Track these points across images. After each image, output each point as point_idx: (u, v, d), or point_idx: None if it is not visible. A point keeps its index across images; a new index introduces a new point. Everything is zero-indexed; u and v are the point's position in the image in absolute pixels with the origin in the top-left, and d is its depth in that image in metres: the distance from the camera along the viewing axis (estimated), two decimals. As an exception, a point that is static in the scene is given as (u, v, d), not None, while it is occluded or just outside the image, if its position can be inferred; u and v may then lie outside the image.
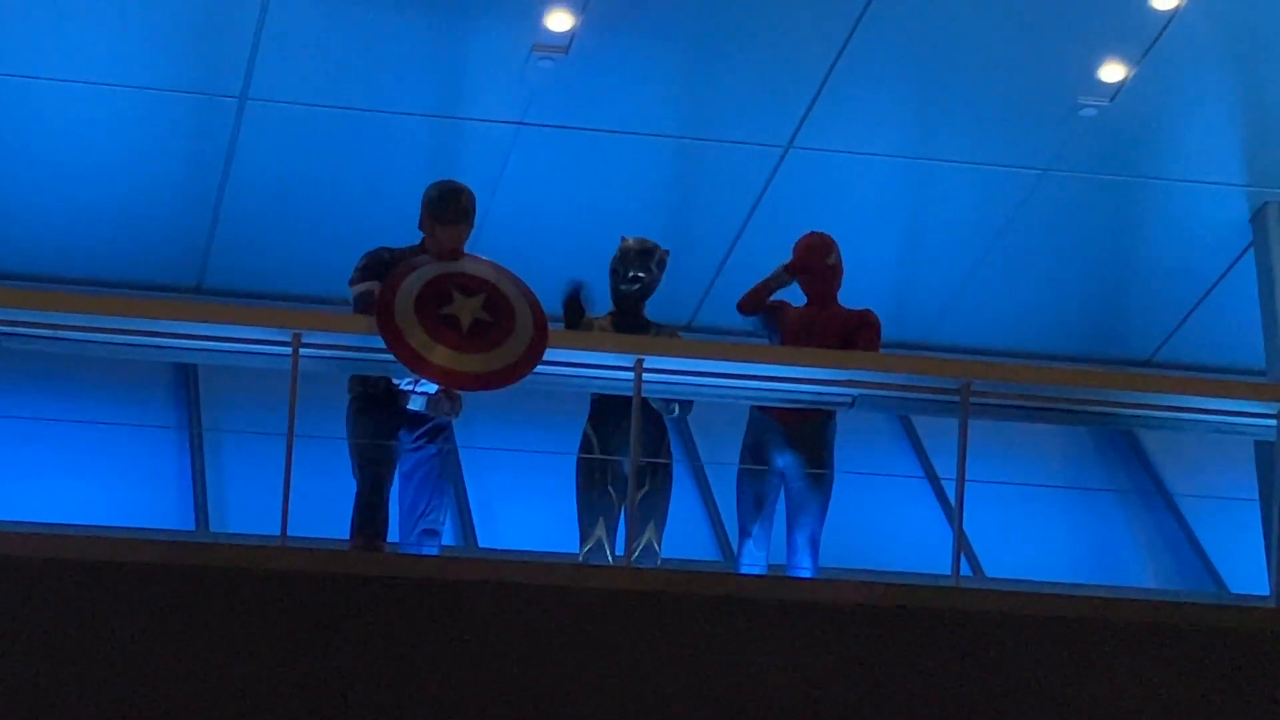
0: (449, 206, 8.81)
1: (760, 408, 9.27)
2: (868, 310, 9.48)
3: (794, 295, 9.57)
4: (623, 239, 9.40)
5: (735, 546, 9.48)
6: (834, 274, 9.49)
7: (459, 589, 7.93)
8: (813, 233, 9.61)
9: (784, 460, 9.24)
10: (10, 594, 7.69)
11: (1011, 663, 8.15)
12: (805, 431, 9.23)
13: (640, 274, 9.30)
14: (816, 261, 9.47)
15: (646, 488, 9.10)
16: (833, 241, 9.56)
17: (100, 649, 7.69)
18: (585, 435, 9.21)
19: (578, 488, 9.17)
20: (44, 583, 7.72)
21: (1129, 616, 8.33)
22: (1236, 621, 8.41)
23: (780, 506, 9.34)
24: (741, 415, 9.60)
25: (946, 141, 12.27)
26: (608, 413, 9.14)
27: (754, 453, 9.27)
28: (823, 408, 9.20)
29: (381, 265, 8.81)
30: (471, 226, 8.90)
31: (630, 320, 9.31)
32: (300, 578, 7.84)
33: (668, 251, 9.41)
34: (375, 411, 8.89)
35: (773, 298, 9.52)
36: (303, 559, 7.92)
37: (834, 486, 9.28)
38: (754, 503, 9.27)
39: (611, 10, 11.52)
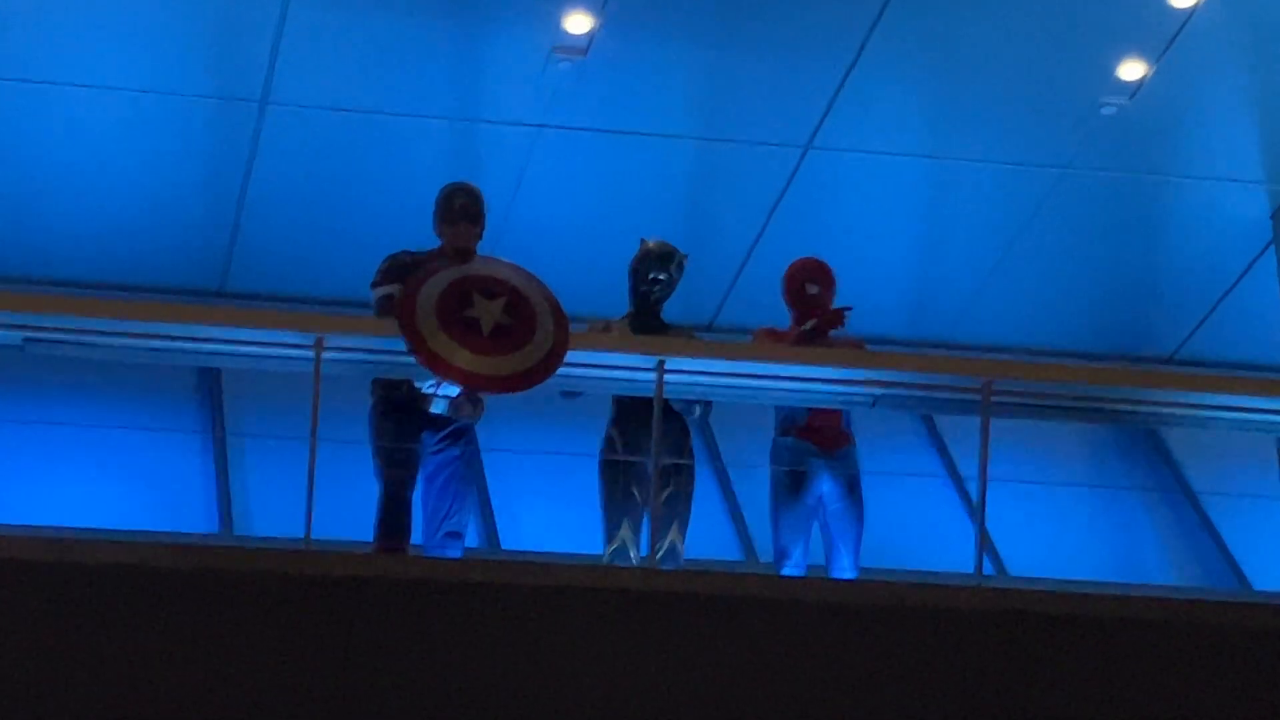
0: (447, 207, 8.89)
1: (791, 434, 9.29)
2: (858, 339, 9.49)
3: (776, 319, 9.54)
4: (643, 241, 9.42)
5: (756, 546, 9.50)
6: (833, 302, 9.48)
7: (482, 591, 7.94)
8: (812, 257, 9.58)
9: (825, 486, 9.26)
10: (36, 598, 7.72)
11: (1034, 661, 8.15)
12: (841, 456, 9.26)
13: (660, 276, 9.32)
14: (829, 284, 9.45)
15: (670, 489, 9.11)
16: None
17: (125, 653, 7.71)
18: (608, 437, 9.23)
19: (601, 490, 9.19)
20: (69, 587, 7.75)
21: (1152, 614, 8.32)
22: (1262, 619, 8.40)
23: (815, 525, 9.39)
24: (763, 416, 9.60)
25: (966, 140, 12.26)
26: (630, 414, 9.16)
27: (792, 479, 9.27)
28: (844, 408, 9.23)
29: (403, 268, 8.84)
30: (477, 226, 8.93)
31: (648, 322, 9.33)
32: (324, 581, 7.86)
33: (686, 255, 9.42)
34: (398, 414, 8.92)
35: (760, 327, 9.52)
36: (326, 562, 7.94)
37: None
38: (792, 527, 9.29)
39: (631, 12, 11.53)
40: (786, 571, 9.27)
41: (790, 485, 9.26)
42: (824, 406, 9.24)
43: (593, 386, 9.02)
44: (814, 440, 9.27)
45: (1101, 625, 8.21)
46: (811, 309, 9.40)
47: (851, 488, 9.28)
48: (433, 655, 7.85)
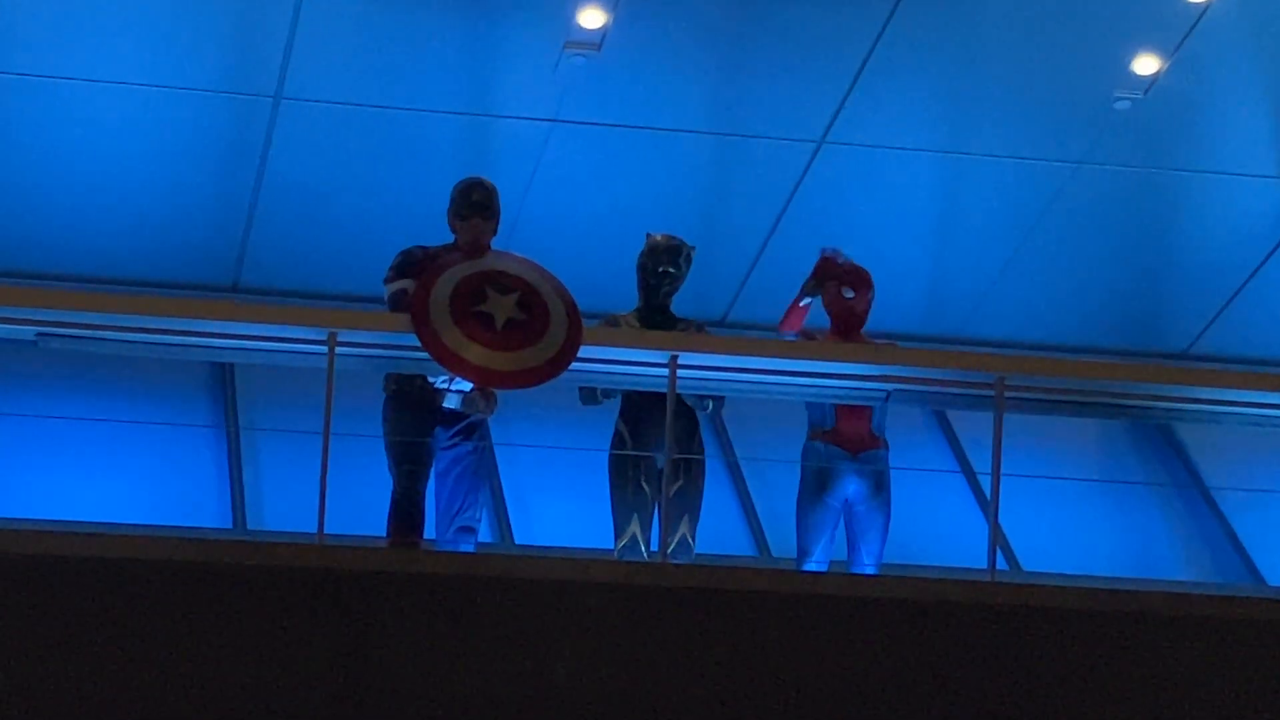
0: (463, 202, 8.91)
1: (821, 438, 9.30)
2: (892, 342, 9.50)
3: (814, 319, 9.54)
4: (649, 236, 9.42)
5: (769, 541, 9.49)
6: (869, 307, 9.48)
7: (494, 586, 7.94)
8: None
9: (852, 488, 9.27)
10: (49, 592, 7.73)
11: (1047, 657, 8.14)
12: (868, 459, 9.27)
13: (670, 270, 9.34)
14: (866, 289, 9.45)
15: (679, 483, 9.12)
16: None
17: (137, 647, 7.72)
18: (617, 432, 9.23)
19: (611, 485, 9.20)
20: (82, 581, 7.76)
21: (1166, 610, 8.31)
22: (1276, 614, 8.39)
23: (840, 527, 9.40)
24: (777, 411, 9.60)
25: (980, 135, 12.25)
26: (639, 409, 9.16)
27: (818, 482, 9.28)
28: (863, 404, 9.23)
29: (417, 264, 8.84)
30: (491, 221, 8.92)
31: (657, 316, 9.34)
32: (337, 576, 7.86)
33: (694, 248, 9.44)
34: (411, 409, 8.92)
35: (803, 325, 9.51)
36: (339, 557, 7.94)
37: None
38: (815, 528, 9.29)
39: (644, 7, 11.53)
40: (806, 569, 9.27)
41: (816, 488, 9.27)
42: (838, 402, 9.24)
43: (606, 382, 9.02)
44: (840, 444, 9.29)
45: (1115, 621, 8.20)
46: (843, 313, 9.42)
47: (879, 488, 9.29)
48: (445, 650, 7.85)
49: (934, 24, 11.71)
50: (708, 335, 9.36)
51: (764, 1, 11.56)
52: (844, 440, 9.30)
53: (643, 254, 9.37)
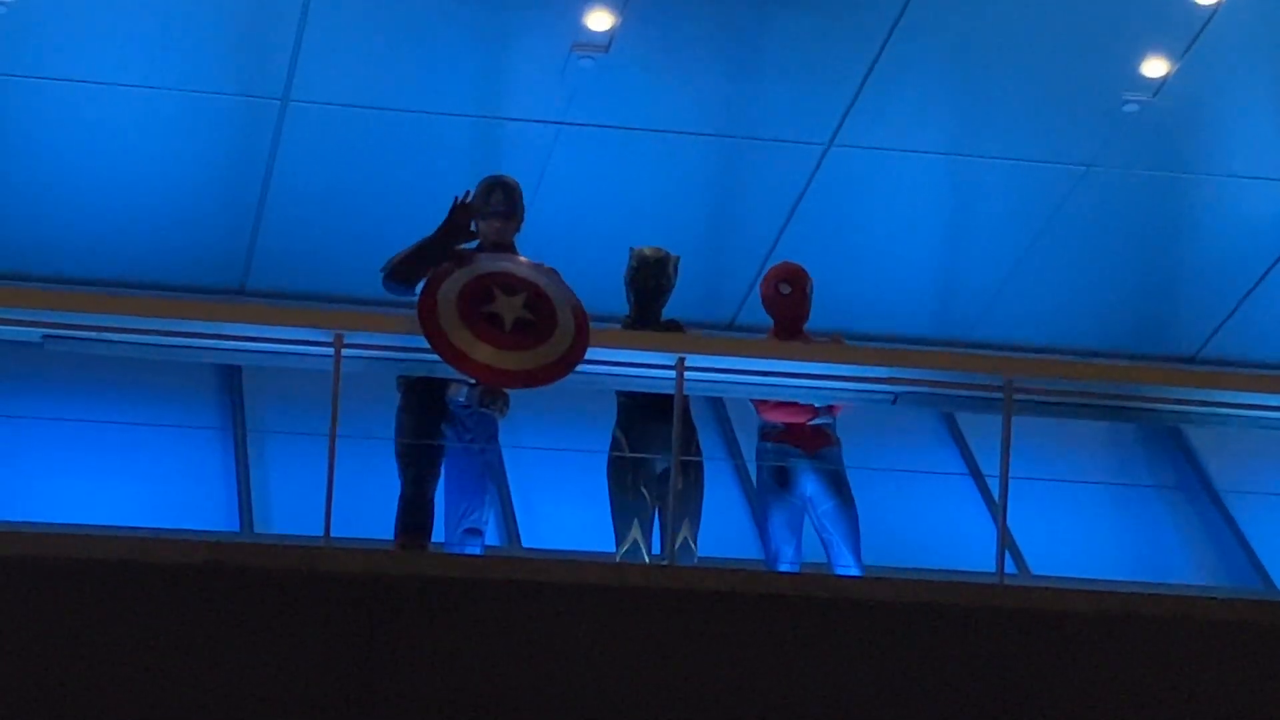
0: (482, 201, 9.00)
1: (772, 438, 9.31)
2: (836, 333, 9.48)
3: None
4: (632, 250, 9.47)
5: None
6: (808, 302, 9.49)
7: (501, 588, 7.93)
8: (788, 261, 9.64)
9: (810, 486, 9.27)
10: (56, 595, 7.73)
11: (1056, 661, 8.13)
12: (825, 456, 9.27)
13: (663, 281, 9.39)
14: (802, 285, 9.46)
15: (678, 486, 9.12)
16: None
17: (144, 650, 7.72)
18: (615, 440, 9.25)
19: (610, 491, 9.22)
20: (89, 584, 7.75)
21: (1175, 613, 8.29)
22: (1282, 618, 8.38)
23: (808, 529, 9.39)
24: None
25: (989, 138, 12.24)
26: (636, 416, 9.19)
27: (777, 479, 9.28)
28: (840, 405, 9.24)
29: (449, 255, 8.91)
30: (511, 221, 9.02)
31: (650, 325, 9.36)
32: (344, 578, 7.86)
33: (679, 257, 9.49)
34: (419, 411, 8.92)
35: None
36: (347, 559, 7.93)
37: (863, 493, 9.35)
38: (783, 526, 9.30)
39: (652, 9, 11.52)
40: (781, 569, 9.27)
41: (776, 485, 9.29)
42: (843, 404, 9.24)
43: (612, 383, 9.02)
44: (793, 442, 9.30)
45: (1124, 624, 8.19)
46: (783, 310, 9.43)
47: (839, 486, 9.29)
48: (452, 652, 7.84)
49: (942, 26, 11.69)
50: (716, 337, 9.37)
51: (772, 3, 11.55)
52: (797, 439, 9.29)
53: (631, 268, 9.43)
